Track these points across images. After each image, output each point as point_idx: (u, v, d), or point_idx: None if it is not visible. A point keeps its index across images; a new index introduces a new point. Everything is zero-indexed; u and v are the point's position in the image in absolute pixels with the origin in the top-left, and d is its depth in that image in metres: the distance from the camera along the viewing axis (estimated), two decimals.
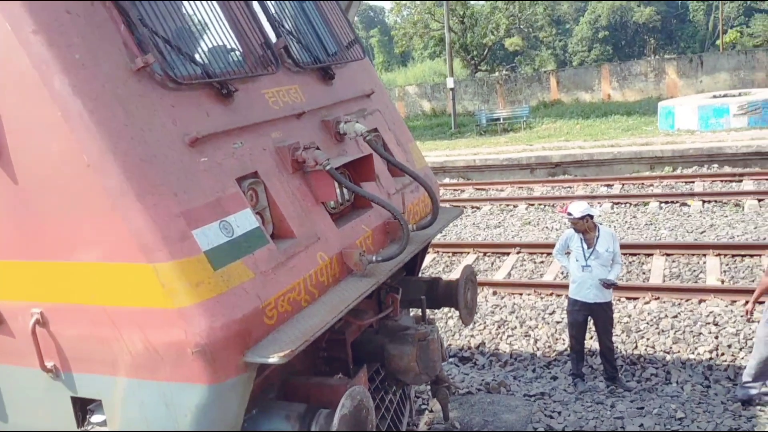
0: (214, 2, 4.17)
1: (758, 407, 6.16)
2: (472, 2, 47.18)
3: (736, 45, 48.31)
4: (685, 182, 15.71)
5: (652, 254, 10.52)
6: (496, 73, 46.96)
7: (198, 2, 4.03)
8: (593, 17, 61.67)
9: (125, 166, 3.09)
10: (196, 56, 3.86)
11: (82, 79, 3.12)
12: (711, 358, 7.26)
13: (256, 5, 4.53)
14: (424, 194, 5.17)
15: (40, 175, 3.23)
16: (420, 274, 6.25)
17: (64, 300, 3.33)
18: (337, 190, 4.38)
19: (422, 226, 5.03)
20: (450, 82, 30.63)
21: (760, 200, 13.14)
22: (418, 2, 46.40)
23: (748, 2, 55.65)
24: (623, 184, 16.16)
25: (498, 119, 28.92)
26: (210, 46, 4.06)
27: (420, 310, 5.44)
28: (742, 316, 7.80)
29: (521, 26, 48.15)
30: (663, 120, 22.96)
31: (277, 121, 4.17)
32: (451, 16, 39.88)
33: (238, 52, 4.29)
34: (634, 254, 10.63)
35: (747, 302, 6.65)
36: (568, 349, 7.38)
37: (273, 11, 4.71)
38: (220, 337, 3.07)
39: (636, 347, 7.67)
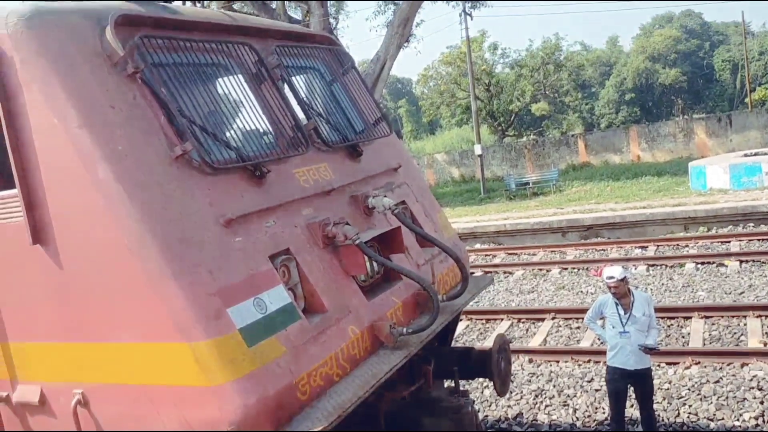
0: (246, 87, 4.43)
1: None
2: (497, 71, 48.20)
3: (766, 102, 48.14)
4: (721, 242, 15.47)
5: (690, 317, 10.30)
6: (524, 138, 47.39)
7: (232, 88, 4.29)
8: (618, 80, 62.28)
9: (163, 248, 3.24)
10: (231, 141, 4.07)
11: (124, 168, 3.33)
12: (757, 425, 7.00)
13: (286, 88, 4.78)
14: (454, 264, 5.24)
15: (83, 259, 3.40)
16: (453, 343, 6.24)
17: (104, 380, 3.44)
18: (367, 264, 4.48)
19: (452, 296, 5.07)
20: (478, 149, 31.04)
21: None
22: (443, 73, 47.54)
23: None
24: (657, 246, 15.98)
25: (527, 183, 29.03)
26: (243, 130, 4.28)
27: (453, 381, 5.41)
28: None
29: (547, 92, 48.86)
30: (695, 180, 22.81)
31: (307, 198, 4.33)
32: (477, 85, 40.74)
33: (270, 135, 4.51)
34: (673, 317, 10.42)
35: None
36: (608, 418, 7.20)
37: (302, 94, 4.95)
38: (253, 414, 3.13)
39: (678, 415, 7.45)
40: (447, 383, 5.79)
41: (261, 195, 3.98)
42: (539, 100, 50.68)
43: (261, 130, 4.38)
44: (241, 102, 4.33)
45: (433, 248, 5.21)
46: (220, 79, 4.35)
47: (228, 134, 4.15)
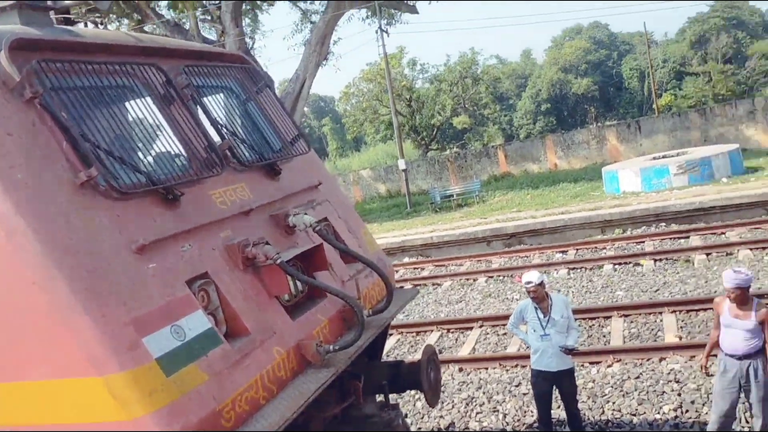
0: (154, 109, 4.32)
1: None
2: (417, 86, 49.01)
3: (672, 107, 50.82)
4: (636, 243, 16.15)
5: (610, 316, 10.69)
6: (447, 151, 48.26)
7: (139, 110, 4.18)
8: (534, 91, 64.42)
9: (71, 280, 3.11)
10: (140, 164, 3.96)
11: (25, 198, 3.18)
12: (676, 416, 7.31)
13: (198, 108, 4.70)
14: (379, 278, 5.26)
15: None
16: (385, 358, 6.25)
17: (12, 422, 3.26)
18: (290, 283, 4.44)
19: (378, 311, 5.08)
20: (402, 164, 31.36)
21: (708, 254, 13.57)
22: (365, 89, 47.95)
23: (678, 66, 58.95)
24: (577, 250, 16.53)
25: (451, 195, 29.53)
26: (153, 152, 4.17)
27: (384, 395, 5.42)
28: (700, 372, 7.92)
29: (467, 105, 49.99)
30: (608, 184, 23.78)
31: (225, 220, 4.25)
32: (398, 101, 41.28)
33: (182, 157, 4.41)
34: (593, 318, 10.79)
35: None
36: (537, 421, 7.36)
37: (215, 114, 4.88)
38: None
39: (603, 412, 7.69)
40: (379, 398, 5.79)
41: (175, 219, 3.88)
42: (460, 113, 51.80)
43: (172, 152, 4.28)
44: (150, 124, 4.23)
45: (357, 264, 5.22)
46: (126, 102, 4.23)
47: (136, 158, 4.04)
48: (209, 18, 30.11)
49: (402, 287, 7.48)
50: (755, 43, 54.57)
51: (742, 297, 5.95)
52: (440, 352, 10.60)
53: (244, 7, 29.45)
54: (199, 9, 28.82)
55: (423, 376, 5.40)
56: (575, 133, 35.98)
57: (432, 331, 11.68)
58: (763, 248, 13.20)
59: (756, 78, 50.82)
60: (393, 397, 5.38)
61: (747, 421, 6.70)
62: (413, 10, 33.17)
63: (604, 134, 34.39)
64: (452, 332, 11.57)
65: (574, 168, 33.71)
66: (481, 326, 11.41)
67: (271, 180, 5.03)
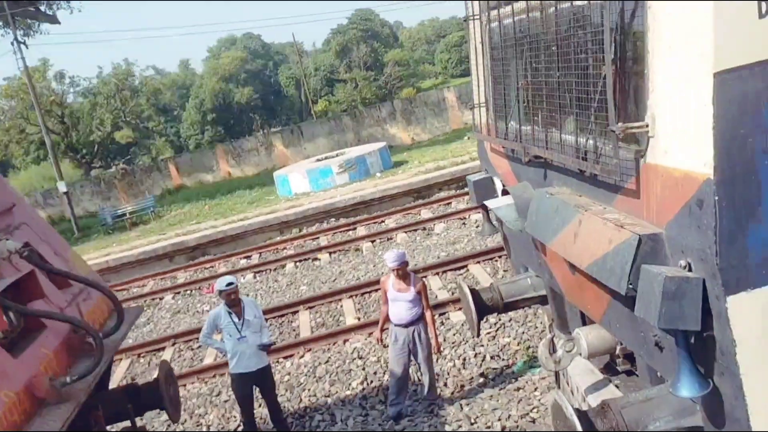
0: None
1: (407, 419, 7.17)
2: (69, 101, 45.03)
3: (328, 112, 54.98)
4: (312, 239, 17.35)
5: (297, 311, 11.40)
6: (113, 168, 45.32)
7: None
8: (198, 102, 63.89)
9: None
10: None
11: None
12: (363, 389, 8.19)
13: None
14: (99, 299, 4.98)
15: None
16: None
17: None
18: (4, 318, 3.98)
19: (108, 333, 4.81)
20: (62, 186, 28.66)
21: (372, 241, 15.23)
22: (6, 107, 42.48)
23: (329, 75, 63.99)
24: (260, 253, 17.12)
25: (124, 215, 27.94)
26: None
27: (129, 421, 5.20)
28: (377, 344, 8.96)
29: (128, 118, 47.49)
30: (281, 188, 24.98)
31: None
32: (48, 118, 37.46)
33: None
34: (283, 314, 11.39)
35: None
36: (241, 423, 7.58)
37: None
38: None
39: (301, 400, 8.24)
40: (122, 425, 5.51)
41: None
42: (122, 127, 48.92)
43: None
44: None
45: (72, 288, 4.86)
46: None
47: None
48: None
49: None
50: (389, 51, 61.95)
51: (403, 273, 6.96)
52: (134, 380, 10.16)
53: None
54: None
55: (164, 394, 5.30)
56: (244, 141, 36.89)
57: (121, 359, 11.09)
58: (414, 231, 15.30)
59: (393, 83, 57.68)
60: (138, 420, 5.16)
61: (419, 379, 7.80)
62: (53, 20, 30.40)
63: (271, 140, 35.93)
64: (143, 356, 11.14)
65: (247, 175, 34.54)
66: (174, 344, 11.20)
67: None
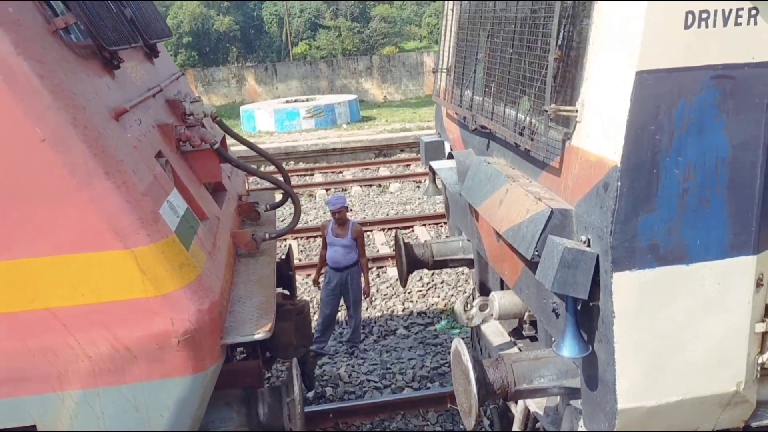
0: None
1: (326, 357, 7.53)
2: None
3: (306, 56, 54.26)
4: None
5: None
6: None
7: None
8: (175, 23, 62.33)
9: (87, 139, 2.56)
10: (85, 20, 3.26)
11: (21, 38, 2.52)
12: None
13: None
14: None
15: None
16: None
17: (11, 307, 2.59)
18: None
19: (275, 206, 5.21)
20: None
21: (327, 190, 15.44)
22: None
23: (313, 18, 62.97)
24: None
25: None
26: (94, 13, 3.38)
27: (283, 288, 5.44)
28: (313, 286, 9.28)
29: None
30: (246, 123, 24.84)
31: (147, 98, 3.77)
32: None
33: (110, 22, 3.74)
34: None
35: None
36: None
37: None
38: (207, 321, 2.76)
39: None
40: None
41: (119, 89, 3.35)
42: None
43: (105, 16, 3.54)
44: None
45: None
46: None
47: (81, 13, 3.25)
48: None
49: None
50: (377, 5, 61.23)
51: (341, 218, 7.23)
52: None
53: None
54: None
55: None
56: (216, 70, 36.30)
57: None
58: (369, 186, 15.56)
59: (377, 38, 57.19)
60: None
61: (346, 323, 8.14)
62: None
63: (244, 74, 35.43)
64: None
65: (214, 104, 34.08)
66: None
67: (150, 63, 4.53)
